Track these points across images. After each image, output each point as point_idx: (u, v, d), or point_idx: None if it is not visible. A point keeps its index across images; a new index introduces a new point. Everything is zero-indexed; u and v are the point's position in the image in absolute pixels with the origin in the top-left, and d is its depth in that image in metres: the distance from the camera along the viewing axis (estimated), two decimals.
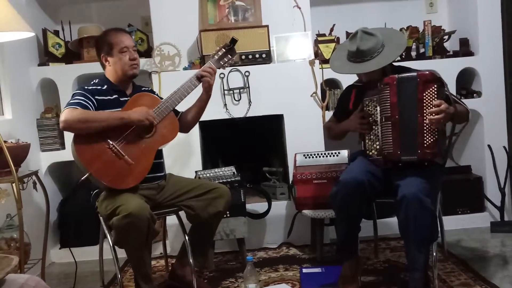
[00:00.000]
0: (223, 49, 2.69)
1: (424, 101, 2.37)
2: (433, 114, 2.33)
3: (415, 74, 2.41)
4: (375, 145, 2.55)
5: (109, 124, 2.43)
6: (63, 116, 2.38)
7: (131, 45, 2.60)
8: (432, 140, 2.37)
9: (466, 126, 2.55)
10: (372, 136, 2.56)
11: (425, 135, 2.37)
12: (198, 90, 2.68)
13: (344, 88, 3.42)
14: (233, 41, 2.67)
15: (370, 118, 2.56)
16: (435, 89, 2.36)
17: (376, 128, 2.54)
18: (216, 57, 2.68)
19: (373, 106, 2.54)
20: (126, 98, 2.59)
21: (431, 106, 2.35)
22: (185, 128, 2.77)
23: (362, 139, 2.66)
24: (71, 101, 2.46)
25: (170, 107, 2.57)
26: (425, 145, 2.38)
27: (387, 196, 2.52)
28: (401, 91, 2.42)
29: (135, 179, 2.47)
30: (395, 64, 2.67)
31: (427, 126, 2.36)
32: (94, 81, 2.62)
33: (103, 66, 2.65)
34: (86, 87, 2.55)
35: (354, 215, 2.52)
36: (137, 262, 2.46)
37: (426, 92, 2.36)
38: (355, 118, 2.64)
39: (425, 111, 2.36)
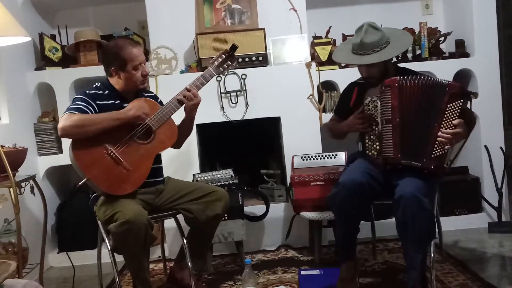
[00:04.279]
0: (223, 55, 2.67)
1: (446, 113, 2.36)
2: (449, 129, 2.34)
3: (446, 82, 2.40)
4: (375, 145, 2.53)
5: (106, 126, 2.39)
6: (60, 124, 2.36)
7: (143, 60, 2.54)
8: (440, 152, 2.37)
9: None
10: (372, 136, 2.55)
11: (435, 146, 2.37)
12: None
13: (340, 89, 3.44)
14: (234, 47, 2.65)
15: (371, 118, 2.54)
16: (460, 104, 2.36)
17: (376, 128, 2.53)
18: (216, 63, 2.66)
19: (374, 106, 2.53)
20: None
21: (450, 121, 2.35)
22: (176, 144, 2.69)
23: (362, 138, 2.65)
24: (70, 106, 2.44)
25: (169, 113, 2.55)
26: (433, 155, 2.38)
27: (386, 198, 2.51)
28: (409, 94, 2.41)
29: (133, 185, 2.47)
30: (400, 65, 2.67)
31: (439, 139, 2.37)
32: (96, 84, 2.58)
33: (109, 75, 2.57)
34: (87, 92, 2.52)
35: (353, 217, 2.52)
36: (136, 268, 2.46)
37: (451, 105, 2.36)
38: (355, 119, 2.62)
39: (443, 123, 2.36)
